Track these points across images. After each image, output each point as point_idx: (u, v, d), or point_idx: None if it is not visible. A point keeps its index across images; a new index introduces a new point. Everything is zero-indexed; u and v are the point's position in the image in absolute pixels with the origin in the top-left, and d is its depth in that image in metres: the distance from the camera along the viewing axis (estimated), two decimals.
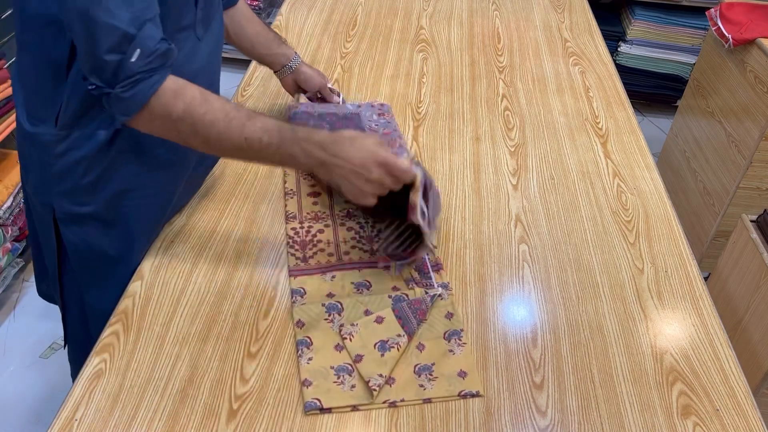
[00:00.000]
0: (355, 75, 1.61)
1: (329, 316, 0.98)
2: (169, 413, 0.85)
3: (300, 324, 0.97)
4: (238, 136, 0.90)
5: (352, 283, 1.04)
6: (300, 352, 0.93)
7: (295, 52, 1.36)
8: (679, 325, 1.03)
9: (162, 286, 1.02)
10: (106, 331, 0.94)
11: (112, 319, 0.96)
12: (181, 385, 0.88)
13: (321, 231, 1.13)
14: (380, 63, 1.67)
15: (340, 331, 0.96)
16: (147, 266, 1.05)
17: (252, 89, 1.52)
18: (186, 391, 0.87)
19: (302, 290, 1.02)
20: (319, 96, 1.43)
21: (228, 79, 3.32)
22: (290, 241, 1.11)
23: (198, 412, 0.85)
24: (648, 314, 1.04)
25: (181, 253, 1.08)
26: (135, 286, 1.02)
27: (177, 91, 0.88)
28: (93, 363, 0.90)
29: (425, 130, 1.43)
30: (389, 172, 0.93)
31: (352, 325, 0.97)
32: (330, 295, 1.02)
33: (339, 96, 1.44)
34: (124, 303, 0.99)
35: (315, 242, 1.10)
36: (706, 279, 1.52)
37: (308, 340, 0.95)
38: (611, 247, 1.16)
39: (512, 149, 1.39)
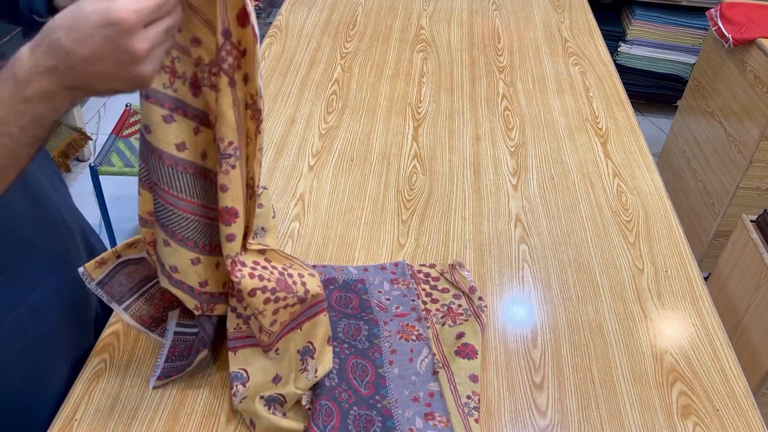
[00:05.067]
0: (355, 75, 1.61)
1: (270, 409, 0.83)
2: (169, 413, 0.85)
3: (253, 425, 0.83)
4: None
5: (298, 351, 0.85)
6: None
7: None
8: (679, 325, 1.03)
9: None
10: (106, 331, 0.94)
11: (112, 319, 0.96)
12: (181, 385, 0.88)
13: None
14: (380, 63, 1.67)
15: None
16: None
17: None
18: (186, 391, 0.87)
19: (244, 374, 0.83)
20: None
21: None
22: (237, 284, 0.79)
23: (198, 412, 0.85)
24: (648, 314, 1.04)
25: None
26: None
27: None
28: (93, 363, 0.90)
29: (425, 130, 1.43)
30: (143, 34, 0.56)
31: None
32: (276, 379, 0.84)
33: None
34: None
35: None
36: (706, 279, 1.52)
37: None
38: (611, 247, 1.16)
39: (512, 149, 1.39)
